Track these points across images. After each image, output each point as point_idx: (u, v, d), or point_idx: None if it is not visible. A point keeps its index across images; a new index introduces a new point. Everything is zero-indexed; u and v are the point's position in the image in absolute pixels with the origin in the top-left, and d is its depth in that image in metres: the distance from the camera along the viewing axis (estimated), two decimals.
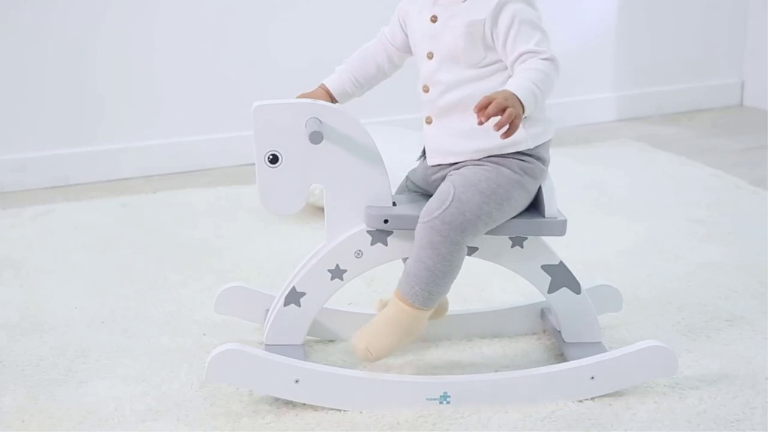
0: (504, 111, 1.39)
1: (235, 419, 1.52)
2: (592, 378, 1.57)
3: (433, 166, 1.59)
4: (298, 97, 1.61)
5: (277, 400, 1.55)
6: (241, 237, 2.35)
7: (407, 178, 1.67)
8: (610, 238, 2.30)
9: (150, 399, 1.58)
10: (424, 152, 1.64)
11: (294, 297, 1.59)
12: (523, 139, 1.52)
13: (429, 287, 1.50)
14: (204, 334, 1.81)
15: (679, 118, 3.56)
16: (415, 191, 1.65)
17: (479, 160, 1.53)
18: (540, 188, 1.57)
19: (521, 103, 1.42)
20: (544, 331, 1.80)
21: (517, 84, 1.44)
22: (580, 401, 1.56)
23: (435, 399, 1.54)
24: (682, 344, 1.75)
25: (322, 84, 1.64)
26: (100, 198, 2.67)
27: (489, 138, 1.50)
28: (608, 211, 2.52)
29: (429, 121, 1.58)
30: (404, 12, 1.61)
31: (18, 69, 2.74)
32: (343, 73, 1.63)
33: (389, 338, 1.51)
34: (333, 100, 1.62)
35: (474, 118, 1.42)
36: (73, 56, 2.78)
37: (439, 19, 1.53)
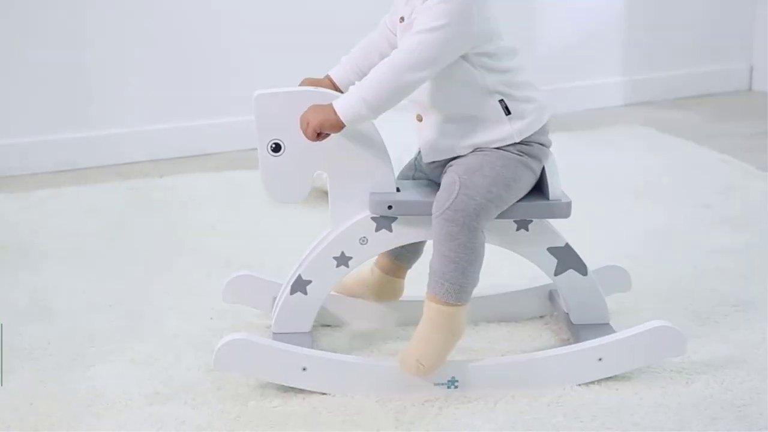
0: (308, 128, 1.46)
1: (242, 403, 1.52)
2: (600, 359, 1.57)
3: (428, 163, 1.59)
4: (303, 83, 1.60)
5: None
6: (247, 221, 2.35)
7: (417, 160, 1.66)
8: (617, 223, 2.30)
9: (157, 383, 1.58)
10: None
11: (300, 285, 1.59)
12: (508, 134, 1.52)
13: (459, 280, 1.49)
14: (211, 318, 1.81)
15: (687, 103, 3.54)
16: (420, 178, 1.65)
17: (472, 152, 1.54)
18: (543, 170, 1.57)
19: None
20: (552, 315, 1.80)
21: (345, 97, 1.47)
22: (587, 386, 1.56)
23: (443, 384, 1.54)
24: (690, 329, 1.74)
25: (328, 74, 1.64)
26: (107, 182, 2.67)
27: (477, 134, 1.52)
28: (616, 196, 2.51)
29: (419, 118, 1.58)
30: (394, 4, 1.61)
31: (23, 53, 2.73)
32: (347, 63, 1.63)
33: (437, 344, 1.50)
34: (337, 90, 1.62)
35: (459, 114, 1.49)
36: (79, 40, 2.78)
37: (405, 20, 1.52)
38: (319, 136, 1.47)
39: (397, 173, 1.62)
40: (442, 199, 1.50)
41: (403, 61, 1.43)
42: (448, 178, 1.52)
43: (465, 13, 1.43)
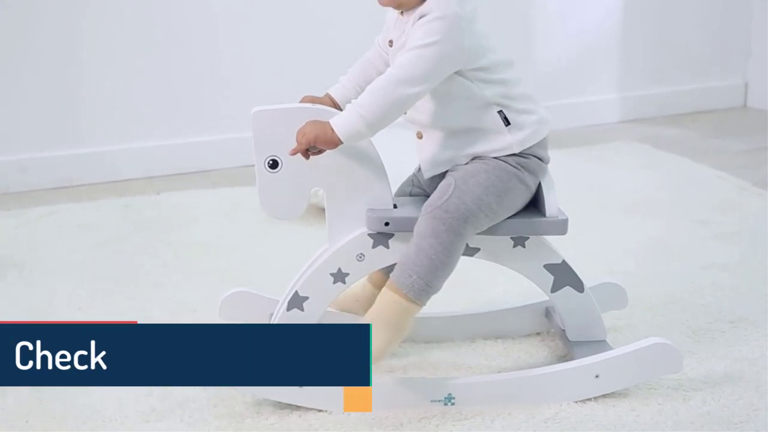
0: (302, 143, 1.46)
1: (238, 420, 1.52)
2: (597, 377, 1.57)
3: (429, 178, 1.60)
4: (302, 100, 1.61)
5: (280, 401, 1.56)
6: (244, 238, 2.35)
7: (415, 176, 1.67)
8: (614, 239, 2.30)
9: (153, 399, 1.58)
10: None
11: (297, 301, 1.59)
12: (508, 144, 1.53)
13: (428, 277, 1.48)
14: None
15: (682, 120, 3.55)
16: (418, 194, 1.65)
17: (471, 160, 1.55)
18: (540, 187, 1.57)
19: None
20: (549, 332, 1.80)
21: (343, 114, 1.47)
22: (584, 402, 1.56)
23: (439, 401, 1.54)
24: (686, 346, 1.74)
25: (327, 93, 1.65)
26: (104, 199, 2.68)
27: (477, 144, 1.53)
28: (612, 211, 2.52)
29: (420, 136, 1.59)
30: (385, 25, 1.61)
31: (19, 70, 2.74)
32: (347, 82, 1.64)
33: (383, 340, 1.47)
34: (338, 108, 1.63)
35: (459, 127, 1.51)
36: (76, 57, 2.78)
37: (394, 44, 1.54)
38: (310, 151, 1.48)
39: (394, 189, 1.62)
40: (434, 198, 1.51)
41: (399, 77, 1.44)
42: (445, 181, 1.53)
43: (455, 28, 1.45)
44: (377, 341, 1.47)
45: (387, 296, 1.50)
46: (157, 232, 2.40)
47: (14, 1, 2.69)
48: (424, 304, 1.51)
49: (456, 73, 1.49)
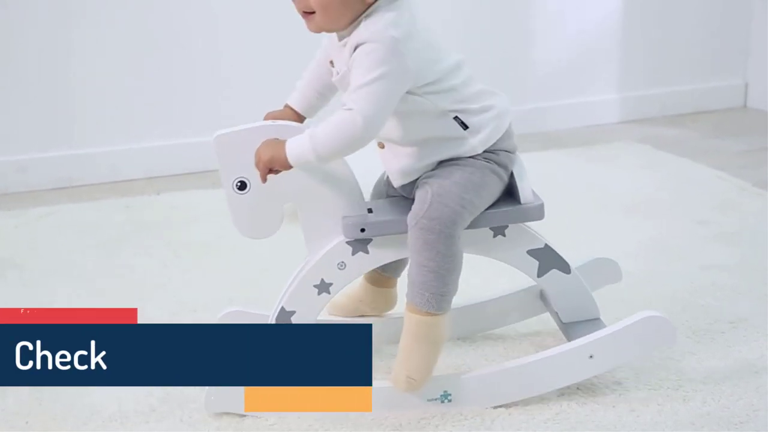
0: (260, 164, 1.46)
1: (238, 420, 1.52)
2: (591, 357, 1.56)
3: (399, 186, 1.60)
4: (266, 117, 1.60)
5: None
6: (244, 238, 2.33)
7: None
8: (614, 240, 2.30)
9: (153, 400, 1.58)
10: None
11: (284, 317, 1.57)
12: (471, 147, 1.52)
13: (439, 289, 1.48)
14: None
15: (682, 120, 3.55)
16: (395, 194, 1.64)
17: (439, 164, 1.54)
18: (512, 175, 1.57)
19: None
20: (548, 331, 1.79)
21: (297, 140, 1.45)
22: (584, 402, 1.56)
23: (436, 399, 1.54)
24: (686, 346, 1.75)
25: (287, 104, 1.64)
26: (104, 199, 2.68)
27: (440, 152, 1.52)
28: (612, 212, 2.52)
29: (381, 146, 1.58)
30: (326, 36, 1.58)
31: (19, 70, 2.74)
32: (304, 87, 1.62)
33: (423, 357, 1.50)
34: (300, 117, 1.62)
35: (419, 139, 1.51)
36: (75, 58, 2.78)
37: (335, 66, 1.52)
38: (271, 171, 1.47)
39: (366, 193, 1.61)
40: (416, 209, 1.50)
41: (356, 123, 1.40)
42: (421, 191, 1.52)
43: (396, 54, 1.41)
44: (420, 361, 1.49)
45: (411, 319, 1.50)
46: (157, 232, 2.40)
47: (14, 1, 2.69)
48: (448, 309, 1.51)
49: (406, 92, 1.46)
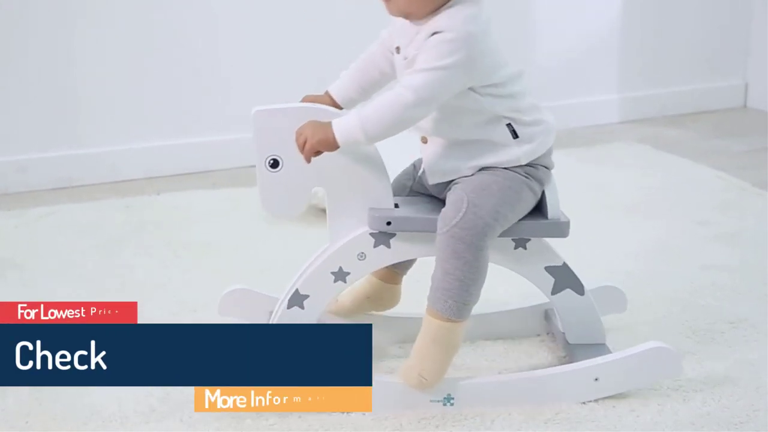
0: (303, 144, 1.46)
1: (238, 421, 1.52)
2: (596, 379, 1.57)
3: (433, 184, 1.60)
4: (303, 100, 1.61)
5: None
6: (244, 238, 2.35)
7: (415, 170, 1.66)
8: (614, 240, 2.30)
9: (153, 400, 1.58)
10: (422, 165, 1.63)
11: (297, 299, 1.59)
12: (516, 157, 1.53)
13: (463, 298, 1.49)
14: None
15: (683, 120, 3.55)
16: (418, 189, 1.65)
17: (478, 171, 1.54)
18: (543, 190, 1.57)
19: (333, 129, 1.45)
20: (548, 333, 1.80)
21: (345, 119, 1.46)
22: (584, 403, 1.56)
23: (438, 401, 1.54)
24: (686, 346, 1.74)
25: (327, 91, 1.64)
26: (104, 199, 2.68)
27: (484, 156, 1.52)
28: (612, 212, 2.52)
29: (424, 140, 1.58)
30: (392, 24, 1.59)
31: (19, 70, 2.74)
32: (347, 79, 1.63)
33: (437, 359, 1.50)
34: (337, 106, 1.62)
35: (466, 139, 1.50)
36: (75, 58, 2.78)
37: (401, 51, 1.52)
38: (315, 153, 1.48)
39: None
40: (449, 215, 1.49)
41: (407, 99, 1.42)
42: (455, 196, 1.51)
43: (470, 51, 1.42)
44: (434, 364, 1.50)
45: (430, 322, 1.51)
46: (157, 232, 2.40)
47: (14, 1, 2.69)
48: (468, 317, 1.52)
49: (468, 88, 1.48)
